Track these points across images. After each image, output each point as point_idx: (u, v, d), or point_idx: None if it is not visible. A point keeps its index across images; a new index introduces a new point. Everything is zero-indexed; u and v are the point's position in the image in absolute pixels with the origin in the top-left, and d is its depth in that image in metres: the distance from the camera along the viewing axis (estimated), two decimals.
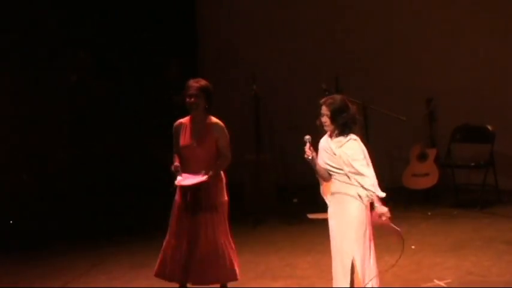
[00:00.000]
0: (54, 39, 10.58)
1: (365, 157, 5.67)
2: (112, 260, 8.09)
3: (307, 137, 5.68)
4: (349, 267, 5.59)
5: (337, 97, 5.79)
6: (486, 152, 9.74)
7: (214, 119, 6.40)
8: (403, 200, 9.88)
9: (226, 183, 6.45)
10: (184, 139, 6.33)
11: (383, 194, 5.66)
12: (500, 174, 9.84)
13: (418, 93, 10.41)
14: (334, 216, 5.78)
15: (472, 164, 9.79)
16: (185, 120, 6.42)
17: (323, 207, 10.25)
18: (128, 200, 10.43)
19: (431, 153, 10.04)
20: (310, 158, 5.66)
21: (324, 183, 5.81)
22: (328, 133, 5.75)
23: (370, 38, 10.92)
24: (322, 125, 5.74)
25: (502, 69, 10.40)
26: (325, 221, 9.40)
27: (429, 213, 9.35)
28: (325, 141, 5.76)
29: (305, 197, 10.47)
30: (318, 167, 5.73)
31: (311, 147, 5.67)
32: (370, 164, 5.69)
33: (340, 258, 5.66)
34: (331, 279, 6.89)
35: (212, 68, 11.20)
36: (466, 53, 10.54)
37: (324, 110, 5.67)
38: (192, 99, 6.29)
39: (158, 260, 6.40)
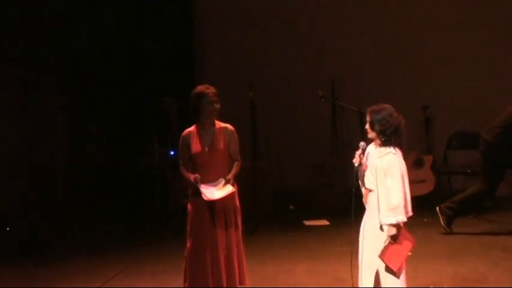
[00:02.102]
0: (53, 42, 10.63)
1: (401, 175, 5.35)
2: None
3: (362, 143, 5.49)
4: (372, 279, 5.43)
5: (384, 106, 5.54)
6: None
7: (223, 123, 6.36)
8: None
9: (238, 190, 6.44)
10: (195, 147, 6.26)
11: (398, 220, 5.29)
12: None
13: (415, 100, 10.42)
14: (365, 226, 5.52)
15: (469, 170, 9.80)
16: (192, 128, 6.34)
17: (319, 214, 10.25)
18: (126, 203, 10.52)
19: (428, 159, 10.05)
20: (356, 164, 5.46)
21: (366, 190, 5.53)
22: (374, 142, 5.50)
23: (366, 45, 10.93)
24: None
25: (497, 77, 10.42)
26: (321, 228, 9.48)
27: (425, 220, 9.32)
28: (370, 149, 5.55)
29: (301, 204, 10.48)
30: (360, 173, 5.50)
31: (361, 155, 5.46)
32: (406, 183, 5.37)
33: (366, 269, 5.45)
34: (328, 285, 6.91)
35: (209, 75, 11.19)
36: (462, 61, 10.56)
37: (367, 117, 5.49)
38: (218, 105, 6.27)
39: (186, 273, 6.22)
